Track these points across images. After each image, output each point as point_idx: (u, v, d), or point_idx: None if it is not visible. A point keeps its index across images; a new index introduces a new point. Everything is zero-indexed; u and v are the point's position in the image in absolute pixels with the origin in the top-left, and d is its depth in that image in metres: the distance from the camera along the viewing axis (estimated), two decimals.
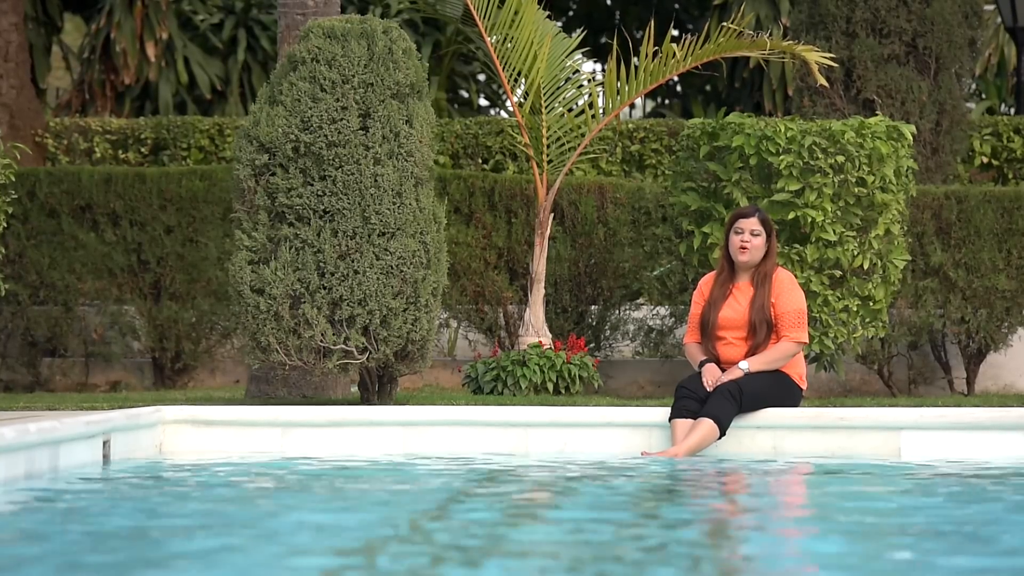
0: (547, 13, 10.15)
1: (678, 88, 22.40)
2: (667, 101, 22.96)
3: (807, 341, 7.94)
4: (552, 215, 10.11)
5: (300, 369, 8.49)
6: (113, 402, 9.08)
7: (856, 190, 9.55)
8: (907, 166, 9.74)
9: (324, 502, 5.82)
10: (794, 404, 7.97)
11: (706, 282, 8.07)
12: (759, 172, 9.59)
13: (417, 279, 8.42)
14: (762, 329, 7.81)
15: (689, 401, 7.76)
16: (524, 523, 5.30)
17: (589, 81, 10.21)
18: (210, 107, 20.70)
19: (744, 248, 7.88)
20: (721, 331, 7.91)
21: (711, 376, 7.79)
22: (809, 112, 12.24)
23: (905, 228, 10.08)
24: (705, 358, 7.90)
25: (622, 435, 7.86)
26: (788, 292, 7.88)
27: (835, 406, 8.90)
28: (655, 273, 10.45)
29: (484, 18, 9.96)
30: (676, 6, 21.74)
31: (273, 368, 8.88)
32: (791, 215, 9.46)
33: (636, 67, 9.94)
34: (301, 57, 8.51)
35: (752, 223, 7.93)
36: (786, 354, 7.85)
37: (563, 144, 10.13)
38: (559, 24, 10.30)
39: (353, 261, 8.33)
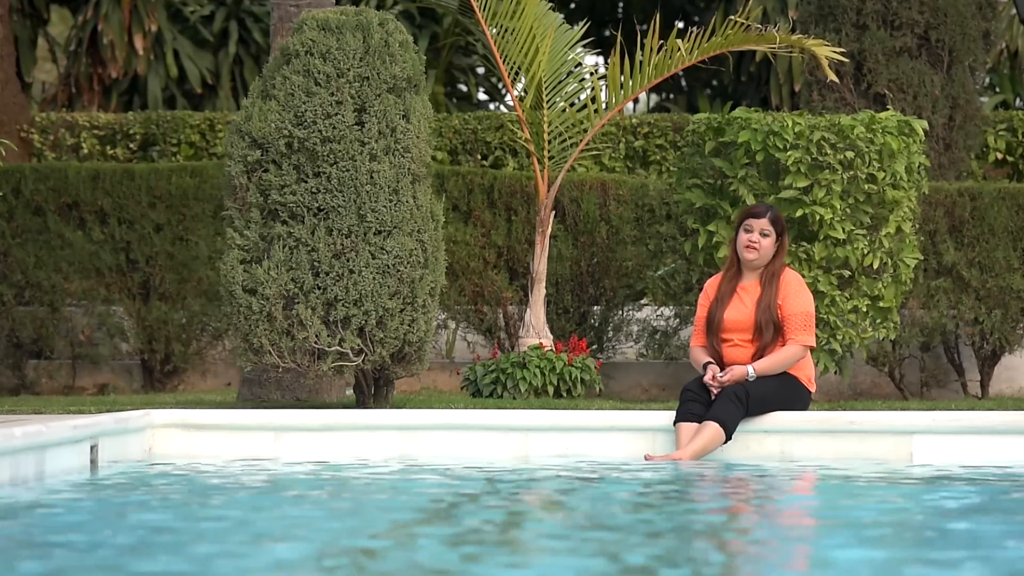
0: (549, 4, 10.06)
1: (683, 82, 22.30)
2: (671, 96, 22.88)
3: (814, 344, 7.92)
4: (553, 213, 10.05)
5: (294, 371, 8.46)
6: (101, 405, 9.08)
7: (866, 187, 9.54)
8: (919, 162, 9.77)
9: (318, 509, 5.77)
10: (803, 407, 7.93)
11: (711, 284, 8.05)
12: (766, 168, 9.56)
13: (414, 279, 8.35)
14: (768, 330, 7.75)
15: (694, 404, 7.72)
16: (524, 529, 5.25)
17: (592, 75, 10.10)
18: (201, 101, 20.58)
19: (751, 247, 7.79)
20: (727, 333, 7.87)
21: (712, 375, 7.70)
22: (818, 106, 12.20)
23: (917, 226, 10.09)
24: (708, 360, 7.78)
25: (625, 439, 7.81)
26: (795, 294, 7.81)
27: (845, 409, 8.90)
28: (659, 272, 10.43)
29: (484, 8, 9.86)
30: None
31: (266, 370, 8.90)
32: (799, 212, 9.48)
33: (640, 61, 9.82)
34: (295, 50, 8.48)
35: (763, 223, 7.84)
36: (792, 358, 7.79)
37: (565, 140, 10.06)
38: (561, 16, 10.11)
39: (348, 260, 8.26)
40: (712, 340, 7.87)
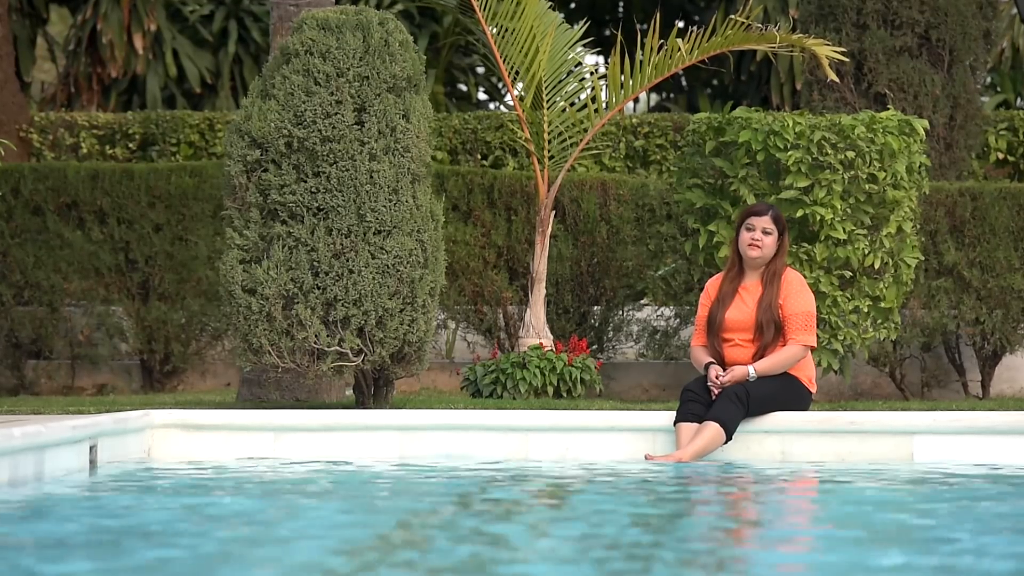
0: (549, 4, 10.03)
1: (683, 82, 22.28)
2: (672, 95, 22.87)
3: (815, 345, 7.88)
4: (553, 213, 10.02)
5: (293, 372, 8.43)
6: (100, 406, 9.05)
7: (867, 187, 9.50)
8: (920, 162, 9.73)
9: (317, 509, 5.74)
10: (803, 408, 7.90)
11: (713, 284, 8.02)
12: (767, 168, 9.52)
13: (414, 279, 8.32)
14: (770, 330, 7.72)
15: (695, 404, 7.69)
16: (524, 530, 5.22)
17: (592, 75, 10.07)
18: (200, 101, 20.56)
19: (754, 245, 7.76)
20: (728, 332, 7.84)
21: (715, 374, 7.68)
22: (818, 106, 12.17)
23: (918, 226, 10.05)
24: (710, 360, 7.74)
25: (625, 439, 7.78)
26: (797, 294, 7.78)
27: (845, 410, 8.87)
28: (659, 272, 10.40)
29: (484, 8, 9.83)
30: None
31: (265, 370, 8.86)
32: (799, 213, 9.44)
33: (640, 61, 9.79)
34: (294, 49, 8.44)
35: (764, 221, 7.81)
36: (793, 358, 7.76)
37: (565, 139, 10.03)
38: (561, 16, 10.09)
39: (348, 260, 8.23)
40: (713, 340, 7.84)
